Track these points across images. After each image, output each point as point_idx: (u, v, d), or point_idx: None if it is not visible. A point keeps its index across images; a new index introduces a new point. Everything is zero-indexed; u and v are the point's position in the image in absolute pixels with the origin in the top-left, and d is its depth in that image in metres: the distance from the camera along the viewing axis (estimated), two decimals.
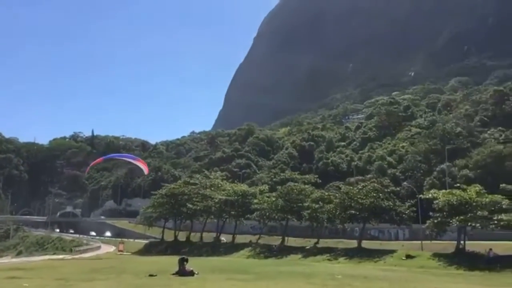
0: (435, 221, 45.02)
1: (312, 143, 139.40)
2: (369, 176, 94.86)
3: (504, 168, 76.57)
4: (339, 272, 31.76)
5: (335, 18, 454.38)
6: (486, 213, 41.07)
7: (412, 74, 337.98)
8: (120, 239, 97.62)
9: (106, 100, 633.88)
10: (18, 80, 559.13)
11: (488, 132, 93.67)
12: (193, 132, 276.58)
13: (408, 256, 45.71)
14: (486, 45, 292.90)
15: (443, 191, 47.80)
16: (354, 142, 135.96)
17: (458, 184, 47.57)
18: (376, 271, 34.11)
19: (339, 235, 74.49)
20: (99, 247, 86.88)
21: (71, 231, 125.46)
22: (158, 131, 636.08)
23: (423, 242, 59.39)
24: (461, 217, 41.89)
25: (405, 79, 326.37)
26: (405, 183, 75.15)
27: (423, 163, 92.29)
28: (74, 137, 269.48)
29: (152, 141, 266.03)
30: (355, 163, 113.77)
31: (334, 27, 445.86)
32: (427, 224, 47.63)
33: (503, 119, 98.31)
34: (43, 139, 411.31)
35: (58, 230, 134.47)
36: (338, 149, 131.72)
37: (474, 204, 42.50)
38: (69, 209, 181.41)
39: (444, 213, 44.47)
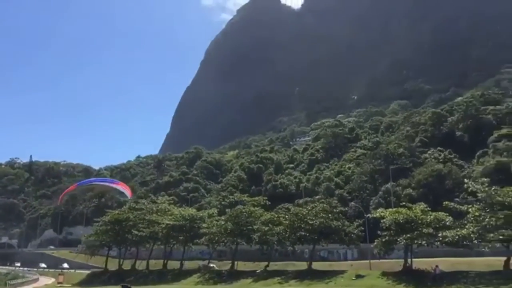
0: (383, 239, 45.51)
1: (260, 165, 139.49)
2: (317, 197, 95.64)
3: (444, 186, 79.62)
4: None
5: (281, 43, 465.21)
6: (431, 230, 41.96)
7: (355, 97, 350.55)
8: (59, 270, 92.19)
9: (46, 124, 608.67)
10: None
11: (428, 152, 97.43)
12: (139, 157, 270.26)
13: (358, 276, 45.81)
14: (423, 71, 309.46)
15: (390, 210, 48.58)
16: (302, 164, 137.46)
17: (404, 203, 48.38)
18: None
19: (289, 258, 73.96)
20: (36, 280, 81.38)
21: (42, 264, 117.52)
22: (103, 156, 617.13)
23: (371, 261, 60.09)
24: (408, 235, 42.55)
25: (349, 102, 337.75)
26: (352, 203, 76.25)
27: (369, 183, 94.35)
28: (11, 164, 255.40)
29: (96, 166, 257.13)
30: (304, 184, 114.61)
31: (279, 52, 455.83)
32: (375, 243, 47.98)
33: (441, 140, 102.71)
34: None
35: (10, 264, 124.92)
36: (287, 171, 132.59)
37: (419, 222, 43.36)
38: (4, 239, 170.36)
39: (391, 231, 45.08)
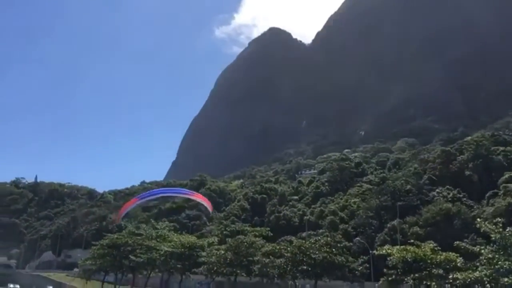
0: (389, 278, 43.28)
1: (264, 196, 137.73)
2: (321, 230, 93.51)
3: (453, 226, 77.37)
4: None
5: (290, 76, 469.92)
6: (441, 271, 39.88)
7: (362, 133, 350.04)
8: None
9: (53, 145, 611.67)
10: None
11: (437, 190, 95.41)
12: (143, 182, 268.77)
13: None
14: (431, 109, 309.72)
15: (397, 247, 46.52)
16: (307, 197, 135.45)
17: (413, 241, 46.33)
18: None
19: None
20: None
21: (11, 285, 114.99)
22: (107, 180, 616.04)
23: None
24: (416, 275, 40.46)
25: (355, 137, 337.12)
26: (357, 238, 74.05)
27: (375, 219, 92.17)
28: (16, 183, 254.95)
29: (100, 189, 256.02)
30: (307, 217, 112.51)
31: (287, 85, 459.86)
32: (380, 282, 45.81)
33: (450, 178, 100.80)
34: None
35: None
36: (291, 203, 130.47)
37: (429, 261, 41.30)
38: (2, 260, 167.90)
39: (398, 270, 42.96)
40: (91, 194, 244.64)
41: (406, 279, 41.78)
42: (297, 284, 61.33)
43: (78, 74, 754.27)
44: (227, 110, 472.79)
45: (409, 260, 42.03)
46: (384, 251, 45.26)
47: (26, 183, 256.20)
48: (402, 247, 45.52)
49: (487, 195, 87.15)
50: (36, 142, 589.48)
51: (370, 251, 56.17)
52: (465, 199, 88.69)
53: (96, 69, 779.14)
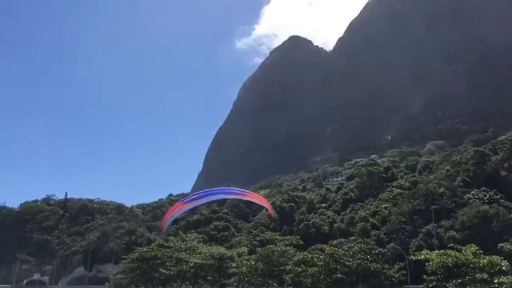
0: (430, 285, 41.14)
1: (292, 204, 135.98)
2: (352, 238, 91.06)
3: (491, 229, 74.20)
4: None
5: (313, 83, 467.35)
6: (485, 275, 37.62)
7: (389, 138, 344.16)
8: None
9: (81, 162, 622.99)
10: None
11: (472, 192, 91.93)
12: (170, 195, 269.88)
13: None
14: (459, 111, 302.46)
15: (437, 251, 44.31)
16: (336, 204, 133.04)
17: (453, 245, 44.09)
18: None
19: None
20: None
21: None
22: (135, 194, 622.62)
23: None
24: (459, 281, 38.26)
25: (382, 142, 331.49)
26: (391, 244, 71.56)
27: (408, 224, 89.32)
28: (47, 200, 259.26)
29: (128, 204, 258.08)
30: (337, 224, 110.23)
31: (311, 92, 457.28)
32: None
33: (485, 180, 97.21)
34: (14, 203, 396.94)
35: None
36: (319, 211, 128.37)
37: (471, 266, 39.10)
38: (36, 276, 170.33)
39: (439, 276, 40.81)
40: (119, 208, 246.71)
41: (447, 285, 39.62)
42: None
43: (97, 89, 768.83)
44: (251, 120, 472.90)
45: (450, 265, 39.95)
46: (422, 256, 43.29)
47: (57, 200, 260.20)
48: (441, 251, 43.37)
49: None
50: (65, 159, 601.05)
51: (407, 257, 53.80)
52: (502, 200, 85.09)
53: (117, 84, 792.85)
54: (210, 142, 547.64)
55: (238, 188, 58.77)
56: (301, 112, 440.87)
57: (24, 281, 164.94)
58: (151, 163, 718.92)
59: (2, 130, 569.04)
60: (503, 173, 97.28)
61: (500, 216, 75.71)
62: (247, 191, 54.32)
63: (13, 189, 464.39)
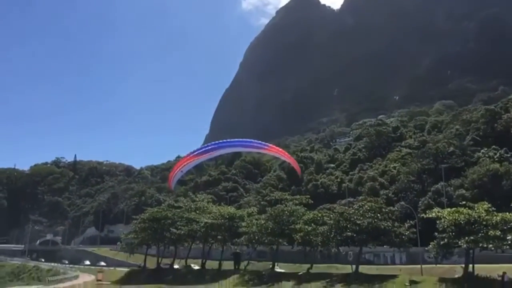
0: (441, 242, 41.15)
1: (300, 165, 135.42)
2: (360, 197, 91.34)
3: (501, 187, 73.89)
4: None
5: (320, 43, 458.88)
6: (498, 232, 37.44)
7: (397, 98, 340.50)
8: (99, 267, 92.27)
9: (90, 124, 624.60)
10: None
11: (482, 151, 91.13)
12: (178, 157, 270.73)
13: (412, 282, 41.86)
14: (468, 70, 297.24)
15: (448, 209, 44.15)
16: (344, 164, 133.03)
17: (465, 203, 43.71)
18: None
19: (331, 260, 70.40)
20: (77, 277, 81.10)
21: (65, 260, 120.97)
22: (143, 156, 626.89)
23: (423, 266, 55.74)
24: (471, 238, 38.18)
25: (389, 103, 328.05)
26: (402, 203, 71.66)
27: (417, 184, 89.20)
28: (56, 163, 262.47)
29: (137, 166, 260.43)
30: (346, 184, 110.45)
31: (318, 52, 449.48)
32: (430, 246, 43.78)
33: (496, 138, 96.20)
34: (24, 165, 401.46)
35: (43, 260, 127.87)
36: (328, 171, 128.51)
37: (484, 223, 38.92)
38: (49, 237, 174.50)
39: (451, 233, 40.74)
40: (128, 170, 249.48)
41: (459, 242, 39.61)
42: (341, 251, 59.90)
43: (114, 53, 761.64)
44: (258, 81, 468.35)
45: (462, 222, 39.82)
46: (433, 214, 43.18)
47: (66, 162, 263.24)
48: (453, 209, 43.19)
49: None
50: (74, 121, 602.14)
51: (418, 215, 53.73)
52: None
53: (129, 49, 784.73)
54: (217, 104, 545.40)
55: (257, 141, 50.05)
56: (308, 73, 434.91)
57: (37, 241, 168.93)
58: (159, 125, 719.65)
59: (12, 93, 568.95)
60: None
61: (511, 174, 75.23)
62: (267, 144, 46.09)
63: (23, 152, 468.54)
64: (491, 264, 46.40)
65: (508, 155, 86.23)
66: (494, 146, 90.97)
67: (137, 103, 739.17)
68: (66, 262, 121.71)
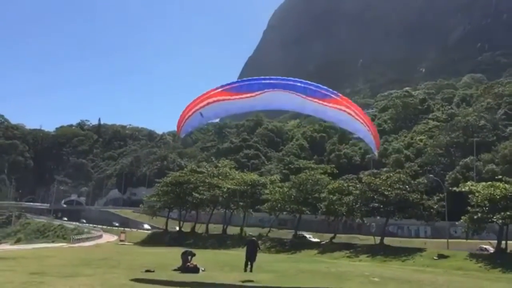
0: (475, 217, 39.64)
1: (323, 134, 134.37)
2: (385, 169, 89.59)
3: None
4: (371, 273, 26.89)
5: (346, 12, 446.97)
6: None
7: (423, 70, 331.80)
8: (122, 228, 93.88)
9: (115, 88, 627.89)
10: (26, 66, 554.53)
11: None
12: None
13: (441, 256, 40.59)
14: (500, 42, 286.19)
15: (483, 183, 42.47)
16: None
17: (500, 177, 41.80)
18: (414, 273, 29.18)
19: (354, 231, 69.78)
20: (100, 236, 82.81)
21: (83, 220, 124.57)
22: (166, 121, 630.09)
23: (449, 240, 54.50)
24: (507, 213, 36.58)
25: (416, 75, 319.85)
26: (430, 175, 69.88)
27: (444, 157, 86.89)
28: (81, 125, 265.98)
29: (159, 131, 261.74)
30: (370, 155, 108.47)
31: (345, 22, 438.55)
32: (461, 221, 42.36)
33: None
34: (50, 126, 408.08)
35: (66, 219, 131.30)
36: (351, 141, 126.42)
37: None
38: (73, 197, 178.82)
39: (484, 208, 39.17)
40: (151, 135, 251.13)
41: (493, 217, 38.06)
42: (365, 222, 58.93)
43: (138, 19, 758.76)
44: (282, 51, 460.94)
45: (498, 197, 38.13)
46: (467, 188, 41.53)
47: (91, 125, 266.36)
48: (488, 183, 41.42)
49: None
50: (99, 84, 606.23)
51: (450, 188, 51.87)
52: None
53: (153, 14, 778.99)
54: (239, 72, 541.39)
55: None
56: (333, 43, 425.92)
57: (62, 201, 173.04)
58: (181, 91, 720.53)
59: (36, 54, 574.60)
60: None
61: None
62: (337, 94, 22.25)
63: (49, 114, 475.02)
64: None
65: None
66: None
67: (160, 69, 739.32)
68: (84, 221, 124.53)
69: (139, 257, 34.26)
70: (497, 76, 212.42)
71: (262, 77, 18.97)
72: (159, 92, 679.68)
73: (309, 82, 18.55)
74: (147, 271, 21.78)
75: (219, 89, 18.19)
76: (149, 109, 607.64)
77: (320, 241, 56.36)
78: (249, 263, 22.21)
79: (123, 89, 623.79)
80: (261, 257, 45.97)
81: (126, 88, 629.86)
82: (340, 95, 18.39)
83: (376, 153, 21.44)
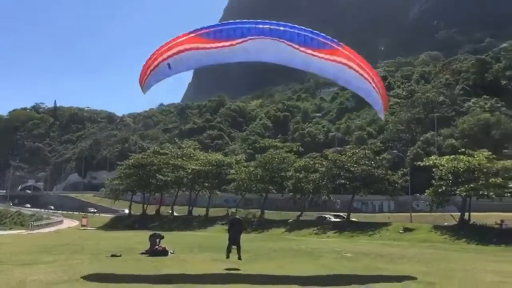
0: (439, 190, 40.22)
1: (287, 113, 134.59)
2: (348, 146, 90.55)
3: (491, 137, 73.48)
4: (342, 248, 26.79)
5: None
6: (499, 180, 36.51)
7: (382, 48, 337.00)
8: (83, 213, 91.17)
9: (71, 70, 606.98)
10: None
11: (472, 100, 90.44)
12: (161, 104, 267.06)
13: (406, 229, 41.23)
14: (455, 21, 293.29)
15: (447, 157, 43.09)
16: (331, 113, 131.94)
17: (463, 150, 42.38)
18: (383, 247, 29.40)
19: (319, 208, 70.20)
20: (61, 222, 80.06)
21: (51, 206, 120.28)
22: (125, 103, 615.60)
23: (412, 214, 55.73)
24: (471, 185, 37.22)
25: (375, 53, 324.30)
26: (394, 151, 70.97)
27: (405, 133, 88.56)
28: (36, 108, 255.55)
29: (119, 113, 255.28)
30: (333, 133, 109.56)
31: (306, 1, 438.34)
32: (426, 194, 43.02)
33: (485, 88, 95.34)
34: (2, 110, 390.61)
35: (29, 206, 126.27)
36: (314, 120, 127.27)
37: (484, 170, 37.89)
38: (30, 182, 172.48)
39: (448, 181, 39.79)
40: (110, 117, 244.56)
41: (458, 190, 38.68)
42: (331, 199, 59.20)
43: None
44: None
45: (461, 170, 38.75)
46: (431, 162, 42.06)
47: (46, 108, 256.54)
48: (452, 156, 42.03)
49: None
50: (54, 67, 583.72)
51: (415, 163, 52.56)
52: (503, 108, 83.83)
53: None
54: None
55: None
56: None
57: (19, 187, 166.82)
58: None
59: None
60: (503, 81, 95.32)
61: (502, 124, 74.73)
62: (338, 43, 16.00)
63: (1, 97, 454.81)
64: (482, 212, 46.37)
65: (499, 105, 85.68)
66: (484, 96, 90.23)
67: (117, 49, 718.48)
68: (52, 207, 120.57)
69: (104, 241, 32.97)
70: (453, 53, 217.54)
71: (248, 20, 15.29)
72: (118, 73, 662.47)
73: (305, 28, 15.25)
74: (113, 255, 20.81)
75: (192, 34, 14.85)
76: (108, 91, 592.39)
77: (287, 219, 56.28)
78: (232, 247, 18.18)
79: (79, 71, 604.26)
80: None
81: (82, 69, 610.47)
82: (342, 44, 15.20)
83: (382, 116, 17.68)
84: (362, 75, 14.65)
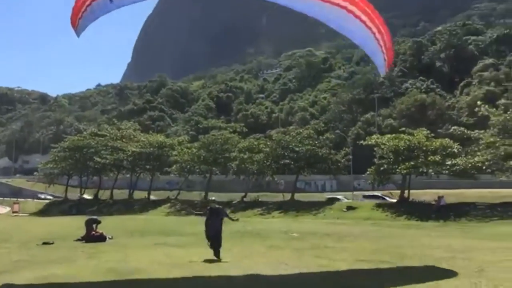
0: (381, 168, 41.04)
1: (230, 94, 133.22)
2: (291, 127, 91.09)
3: (427, 117, 76.37)
4: (288, 229, 26.40)
5: None
6: (438, 158, 37.68)
7: (324, 31, 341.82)
8: (15, 198, 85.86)
9: None
10: None
11: (410, 82, 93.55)
12: (99, 85, 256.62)
13: (349, 208, 41.82)
14: (390, 5, 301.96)
15: (388, 135, 43.98)
16: (274, 94, 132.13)
17: (404, 129, 43.56)
18: (329, 226, 29.32)
19: (263, 189, 70.08)
20: None
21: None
22: (60, 83, 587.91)
23: (354, 193, 56.81)
24: (411, 163, 38.19)
25: (316, 35, 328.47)
26: (337, 131, 72.04)
27: (347, 113, 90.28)
28: None
29: (53, 93, 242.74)
30: (276, 114, 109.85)
31: None
32: (368, 173, 43.78)
33: (422, 70, 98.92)
34: None
35: None
36: (257, 101, 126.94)
37: (424, 148, 39.02)
38: None
39: (389, 159, 40.67)
40: (43, 98, 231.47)
41: (398, 168, 39.63)
42: (276, 180, 59.15)
43: None
44: (184, 8, 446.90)
45: (402, 148, 39.66)
46: (373, 141, 42.74)
47: None
48: (393, 135, 42.97)
49: (461, 84, 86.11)
50: None
51: (357, 142, 53.39)
52: (438, 89, 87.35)
53: None
54: (139, 32, 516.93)
55: None
56: (239, 3, 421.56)
57: None
58: (76, 50, 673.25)
59: None
60: (438, 63, 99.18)
61: (437, 104, 77.82)
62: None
63: None
64: (423, 190, 47.95)
65: (434, 86, 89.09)
66: (421, 77, 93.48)
67: (51, 26, 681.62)
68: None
69: (36, 228, 30.79)
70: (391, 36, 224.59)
71: None
72: (50, 52, 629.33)
73: None
74: (45, 243, 19.16)
75: None
76: (40, 70, 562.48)
77: (231, 201, 55.62)
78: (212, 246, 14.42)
79: (7, 47, 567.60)
80: (172, 220, 44.29)
81: (10, 46, 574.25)
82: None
83: (383, 72, 13.20)
84: (362, 22, 10.87)
